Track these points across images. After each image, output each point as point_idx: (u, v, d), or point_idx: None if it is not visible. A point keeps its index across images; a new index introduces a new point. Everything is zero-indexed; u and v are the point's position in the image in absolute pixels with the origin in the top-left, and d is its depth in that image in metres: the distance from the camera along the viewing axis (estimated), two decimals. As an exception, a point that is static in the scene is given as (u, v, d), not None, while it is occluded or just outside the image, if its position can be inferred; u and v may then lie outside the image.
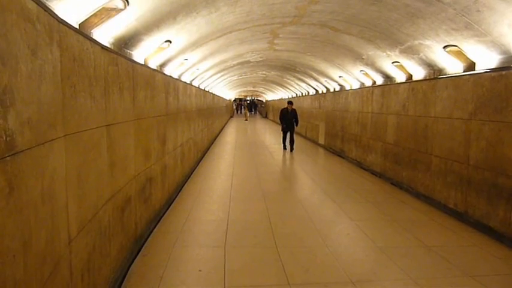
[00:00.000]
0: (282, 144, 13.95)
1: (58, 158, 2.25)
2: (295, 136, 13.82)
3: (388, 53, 7.84)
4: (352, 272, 3.95)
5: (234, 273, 3.86)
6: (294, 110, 13.27)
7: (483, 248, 4.70)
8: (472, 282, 3.78)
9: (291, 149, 13.43)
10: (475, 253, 4.57)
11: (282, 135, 13.96)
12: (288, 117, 13.21)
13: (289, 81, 19.85)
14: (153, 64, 6.06)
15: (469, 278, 3.85)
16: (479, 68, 5.71)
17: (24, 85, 1.79)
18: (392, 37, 6.94)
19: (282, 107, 13.78)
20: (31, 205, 1.85)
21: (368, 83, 10.44)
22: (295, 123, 13.38)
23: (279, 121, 14.29)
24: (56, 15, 2.29)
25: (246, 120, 36.95)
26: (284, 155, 13.01)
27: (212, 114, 16.11)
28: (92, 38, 3.07)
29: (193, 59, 8.44)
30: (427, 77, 7.31)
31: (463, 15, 4.94)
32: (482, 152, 5.30)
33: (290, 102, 13.47)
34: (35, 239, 1.88)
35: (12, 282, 1.63)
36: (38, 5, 1.99)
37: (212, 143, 15.60)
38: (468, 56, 5.87)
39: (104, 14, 3.53)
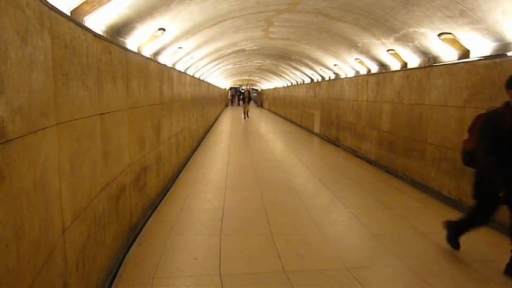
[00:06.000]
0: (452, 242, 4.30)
1: (51, 146, 2.23)
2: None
3: (383, 40, 7.81)
4: (347, 259, 3.99)
5: (229, 261, 3.88)
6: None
7: (477, 234, 4.74)
8: (466, 268, 3.83)
9: None
10: (469, 240, 4.61)
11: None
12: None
13: (284, 69, 19.75)
14: (147, 52, 6.00)
15: (462, 265, 3.90)
16: (474, 56, 5.71)
17: (14, 72, 1.76)
18: (387, 25, 6.91)
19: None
20: (23, 194, 1.84)
21: (363, 71, 10.41)
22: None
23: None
24: (47, 1, 2.25)
25: (247, 117, 24.56)
26: (281, 144, 12.97)
27: (207, 103, 16.03)
28: (83, 25, 3.02)
29: (187, 47, 8.37)
30: (422, 65, 7.30)
31: (458, 3, 4.91)
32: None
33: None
34: (28, 227, 1.88)
35: (5, 271, 1.62)
36: (27, -10, 1.95)
37: (207, 132, 15.56)
38: (463, 44, 5.86)
39: (96, 1, 3.47)
